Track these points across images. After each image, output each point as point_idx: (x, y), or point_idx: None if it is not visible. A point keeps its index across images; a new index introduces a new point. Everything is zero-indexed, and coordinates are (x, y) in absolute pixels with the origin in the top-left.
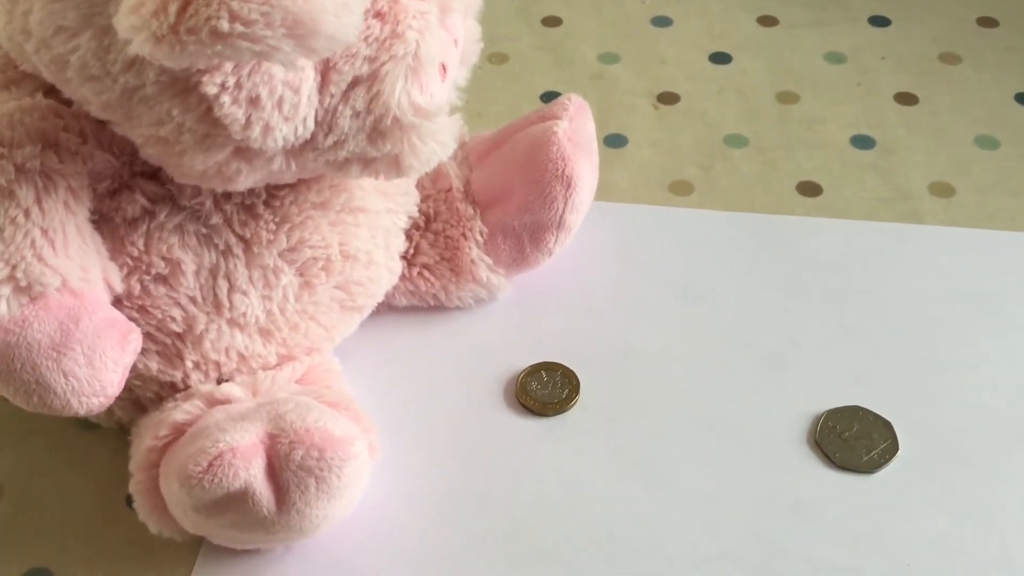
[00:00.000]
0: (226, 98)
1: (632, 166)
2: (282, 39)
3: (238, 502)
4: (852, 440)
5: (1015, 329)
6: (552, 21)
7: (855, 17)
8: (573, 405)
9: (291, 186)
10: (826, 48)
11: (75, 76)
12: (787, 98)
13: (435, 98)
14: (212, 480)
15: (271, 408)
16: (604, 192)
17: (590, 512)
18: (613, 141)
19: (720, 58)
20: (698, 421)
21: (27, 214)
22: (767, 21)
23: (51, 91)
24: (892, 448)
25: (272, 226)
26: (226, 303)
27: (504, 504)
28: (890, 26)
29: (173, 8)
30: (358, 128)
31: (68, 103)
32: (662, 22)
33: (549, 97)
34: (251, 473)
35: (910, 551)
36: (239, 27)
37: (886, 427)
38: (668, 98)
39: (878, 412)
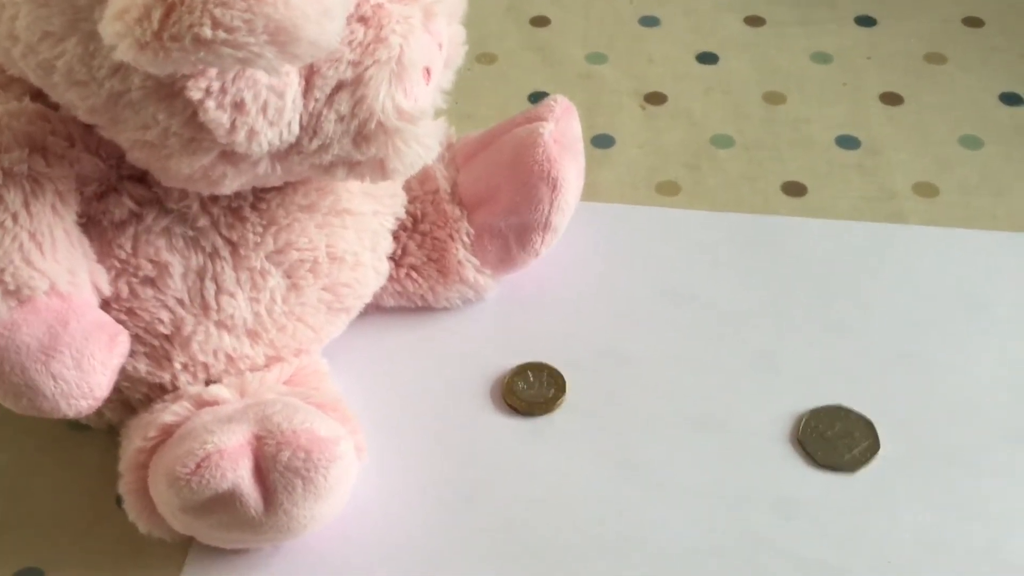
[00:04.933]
0: (211, 103)
1: (619, 166)
2: (264, 46)
3: (226, 503)
4: (834, 439)
5: (996, 328)
6: (540, 21)
7: (841, 17)
8: (559, 405)
9: (278, 189)
10: (812, 48)
11: (61, 81)
12: (773, 98)
13: (419, 102)
14: (200, 481)
15: (258, 409)
16: (591, 192)
17: (576, 509)
18: (600, 141)
19: (707, 58)
20: (683, 420)
21: (15, 218)
22: (754, 21)
23: (38, 95)
24: (873, 447)
25: (259, 229)
26: (213, 305)
27: (491, 503)
28: (876, 26)
29: (156, 15)
30: (343, 132)
31: (55, 107)
32: (649, 22)
33: (537, 97)
34: (238, 474)
35: (891, 547)
36: (221, 34)
37: (868, 426)
38: (655, 98)
39: (860, 411)
